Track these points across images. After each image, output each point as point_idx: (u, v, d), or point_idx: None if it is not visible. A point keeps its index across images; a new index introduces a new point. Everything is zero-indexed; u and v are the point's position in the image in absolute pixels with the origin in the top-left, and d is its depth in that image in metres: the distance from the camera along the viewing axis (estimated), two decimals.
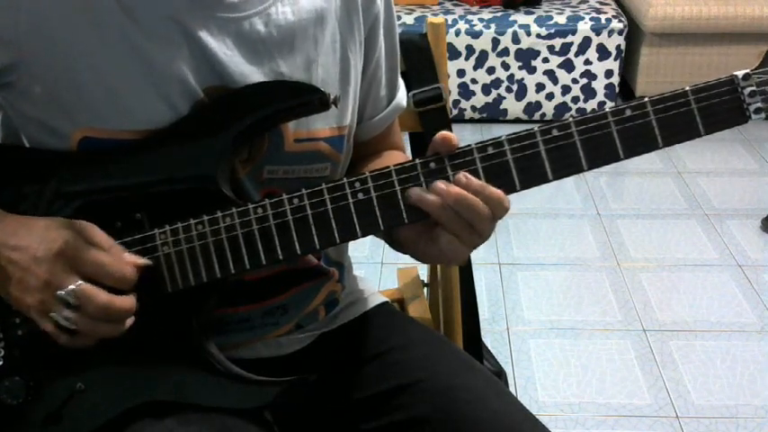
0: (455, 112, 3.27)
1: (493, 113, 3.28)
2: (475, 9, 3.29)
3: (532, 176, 0.71)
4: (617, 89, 3.24)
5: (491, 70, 3.20)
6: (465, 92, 3.24)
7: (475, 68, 3.20)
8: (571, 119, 0.70)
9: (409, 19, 3.19)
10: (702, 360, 1.94)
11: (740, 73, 0.69)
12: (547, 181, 0.71)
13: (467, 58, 3.18)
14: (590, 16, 3.16)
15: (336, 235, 0.72)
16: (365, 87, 0.89)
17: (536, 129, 0.70)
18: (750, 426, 1.73)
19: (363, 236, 0.72)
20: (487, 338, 2.00)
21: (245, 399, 0.76)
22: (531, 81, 3.21)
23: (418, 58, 1.09)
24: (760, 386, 1.85)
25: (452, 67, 3.17)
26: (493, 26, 3.14)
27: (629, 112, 0.69)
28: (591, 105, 3.26)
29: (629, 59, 3.34)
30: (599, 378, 1.88)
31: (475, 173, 0.70)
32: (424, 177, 0.71)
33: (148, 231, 0.73)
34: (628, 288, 2.23)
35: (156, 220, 0.74)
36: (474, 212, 0.69)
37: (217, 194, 0.74)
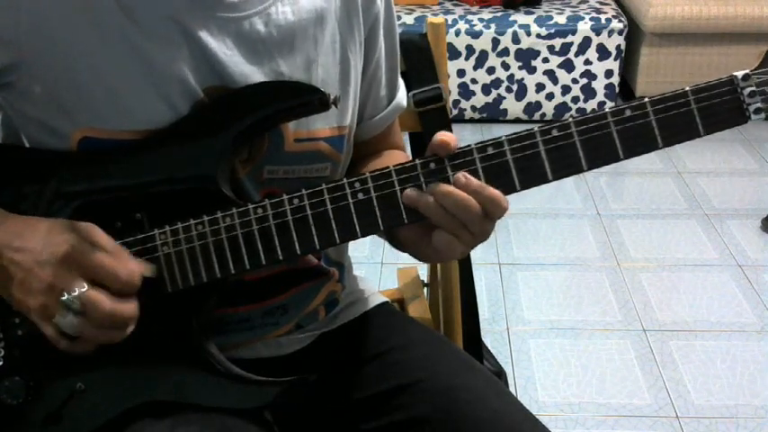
0: (455, 112, 3.27)
1: (493, 113, 3.28)
2: (475, 9, 3.29)
3: (532, 177, 0.71)
4: (617, 89, 3.24)
5: (491, 70, 3.20)
6: (465, 92, 3.24)
7: (475, 68, 3.20)
8: (571, 119, 0.70)
9: (409, 19, 3.19)
10: (702, 360, 1.94)
11: (740, 73, 0.69)
12: (547, 181, 0.71)
13: (467, 58, 3.18)
14: (590, 16, 3.16)
15: (336, 235, 0.72)
16: (365, 87, 0.89)
17: (536, 129, 0.70)
18: (750, 426, 1.73)
19: (363, 236, 0.72)
20: (487, 338, 2.00)
21: (245, 399, 0.76)
22: (531, 81, 3.21)
23: (418, 58, 1.09)
24: (760, 386, 1.85)
25: (452, 67, 3.17)
26: (493, 26, 3.14)
27: (628, 113, 0.69)
28: (591, 105, 3.26)
29: (629, 59, 3.34)
30: (599, 378, 1.88)
31: (475, 173, 0.70)
32: (423, 177, 0.71)
33: (148, 231, 0.73)
34: (628, 288, 2.23)
35: (155, 221, 0.74)
36: (468, 213, 0.69)
37: (217, 194, 0.74)
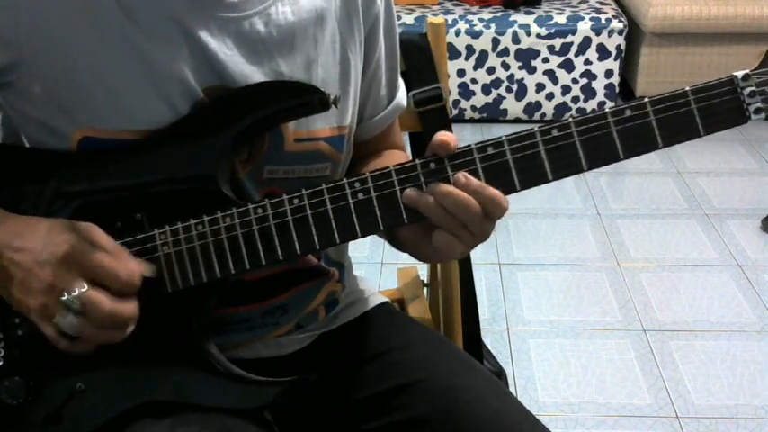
0: (455, 112, 3.27)
1: (493, 113, 3.28)
2: (475, 9, 3.29)
3: (532, 176, 0.71)
4: (617, 89, 3.24)
5: (491, 70, 3.20)
6: (465, 92, 3.24)
7: (475, 68, 3.20)
8: (571, 119, 0.70)
9: (409, 19, 3.19)
10: (702, 360, 1.94)
11: (740, 73, 0.69)
12: (547, 181, 0.71)
13: (467, 58, 3.18)
14: (590, 16, 3.16)
15: (336, 235, 0.72)
16: (365, 87, 0.89)
17: (536, 129, 0.70)
18: (750, 426, 1.73)
19: (363, 236, 0.72)
20: (487, 338, 2.00)
21: (245, 399, 0.76)
22: (531, 81, 3.21)
23: (418, 58, 1.09)
24: (760, 386, 1.85)
25: (452, 67, 3.17)
26: (493, 26, 3.14)
27: (628, 113, 0.69)
28: (591, 105, 3.26)
29: (629, 59, 3.34)
30: (599, 378, 1.88)
31: (475, 173, 0.70)
32: (423, 177, 0.71)
33: (148, 231, 0.73)
34: (628, 288, 2.23)
35: (155, 221, 0.74)
36: (468, 213, 0.69)
37: (217, 194, 0.74)
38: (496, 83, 3.22)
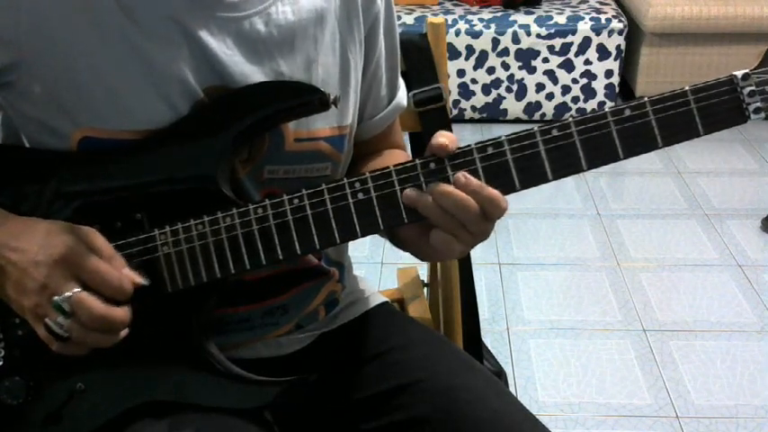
0: (455, 112, 3.27)
1: (493, 113, 3.28)
2: (475, 9, 3.29)
3: (532, 176, 0.71)
4: (617, 89, 3.24)
5: (491, 70, 3.20)
6: (465, 92, 3.24)
7: (475, 68, 3.20)
8: (571, 119, 0.70)
9: (409, 19, 3.19)
10: (702, 360, 1.94)
11: (739, 73, 0.69)
12: (546, 181, 0.71)
13: (467, 58, 3.18)
14: (590, 16, 3.16)
15: (336, 235, 0.72)
16: (365, 87, 0.89)
17: (536, 129, 0.70)
18: (750, 426, 1.73)
19: (363, 236, 0.72)
20: (487, 338, 2.00)
21: (245, 399, 0.76)
22: (531, 81, 3.21)
23: (418, 58, 1.09)
24: (760, 386, 1.85)
25: (452, 67, 3.17)
26: (493, 26, 3.14)
27: (628, 112, 0.69)
28: (591, 105, 3.26)
29: (629, 59, 3.34)
30: (599, 378, 1.88)
31: (474, 173, 0.70)
32: (423, 177, 0.71)
33: (148, 231, 0.73)
34: (628, 288, 2.23)
35: (156, 221, 0.74)
36: (467, 213, 0.69)
37: (217, 194, 0.74)
38: (496, 83, 3.22)
